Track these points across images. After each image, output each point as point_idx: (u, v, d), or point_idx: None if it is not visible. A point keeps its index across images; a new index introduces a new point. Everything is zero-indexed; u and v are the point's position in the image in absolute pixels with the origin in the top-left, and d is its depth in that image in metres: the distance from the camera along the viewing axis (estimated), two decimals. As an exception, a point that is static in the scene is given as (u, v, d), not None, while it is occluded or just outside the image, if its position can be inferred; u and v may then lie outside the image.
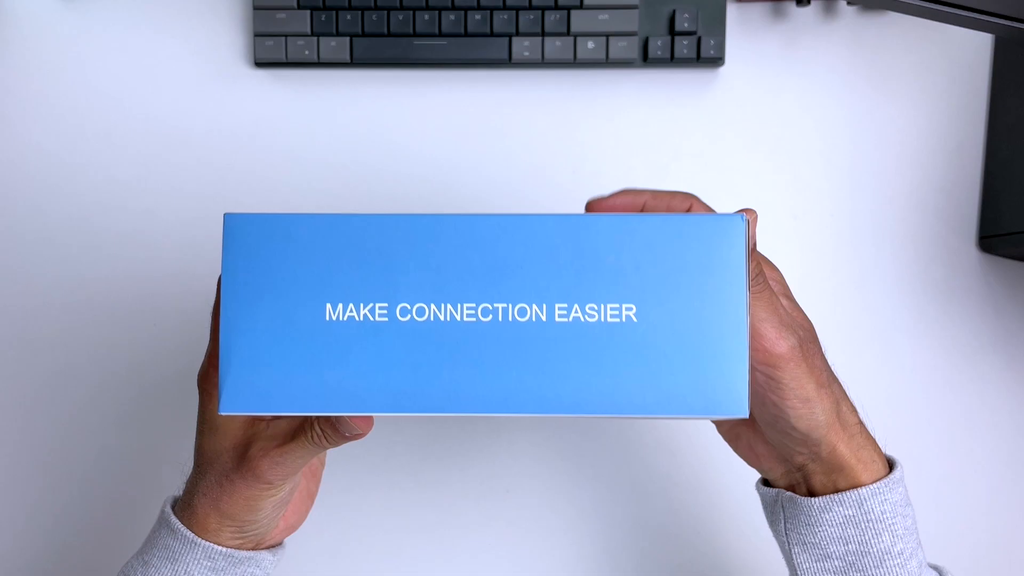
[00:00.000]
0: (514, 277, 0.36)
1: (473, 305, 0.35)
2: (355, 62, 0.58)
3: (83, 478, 0.61)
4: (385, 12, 0.57)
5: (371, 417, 0.39)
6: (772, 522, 0.44)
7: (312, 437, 0.38)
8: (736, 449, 0.45)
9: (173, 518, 0.42)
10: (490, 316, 0.35)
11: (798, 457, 0.42)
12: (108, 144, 0.60)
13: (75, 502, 0.61)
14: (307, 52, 0.58)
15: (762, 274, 0.40)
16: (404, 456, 0.60)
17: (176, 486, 0.45)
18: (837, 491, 0.42)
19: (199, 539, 0.41)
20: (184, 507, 0.42)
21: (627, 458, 0.60)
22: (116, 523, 0.61)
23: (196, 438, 0.42)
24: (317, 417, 0.38)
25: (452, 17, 0.57)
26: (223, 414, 0.35)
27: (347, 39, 0.58)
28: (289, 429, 0.39)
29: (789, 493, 0.43)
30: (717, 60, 0.58)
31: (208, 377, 0.41)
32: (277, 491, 0.41)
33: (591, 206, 0.42)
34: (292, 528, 0.45)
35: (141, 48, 0.60)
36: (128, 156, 0.60)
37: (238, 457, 0.40)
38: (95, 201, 0.60)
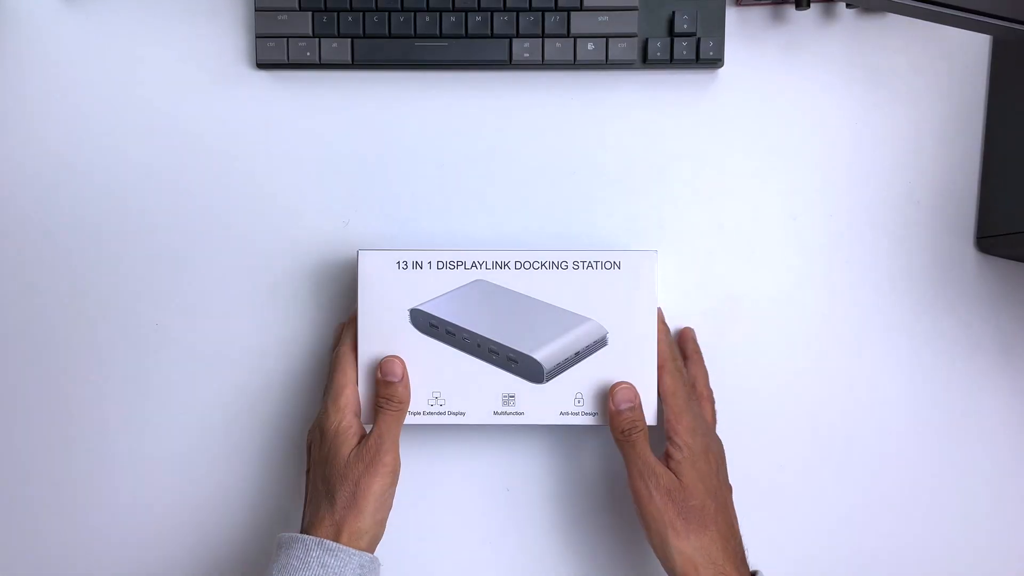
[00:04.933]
0: None
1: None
2: (356, 63, 0.59)
3: (82, 478, 0.61)
4: (386, 13, 0.58)
5: (399, 360, 0.53)
6: None
7: (382, 407, 0.53)
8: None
9: (321, 540, 0.49)
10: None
11: None
12: (109, 145, 0.60)
13: (75, 502, 0.61)
14: (308, 53, 0.58)
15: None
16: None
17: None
18: None
19: (352, 550, 0.49)
20: (319, 528, 0.50)
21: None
22: (116, 524, 0.61)
23: (315, 470, 0.53)
24: (376, 388, 0.53)
25: (453, 18, 0.57)
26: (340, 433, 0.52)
27: (348, 40, 0.58)
28: (376, 425, 0.53)
29: None
30: (716, 62, 0.58)
31: (339, 409, 0.53)
32: (394, 476, 0.52)
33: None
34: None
35: (142, 49, 0.60)
36: (129, 157, 0.60)
37: (359, 461, 0.51)
38: (96, 201, 0.60)
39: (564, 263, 0.54)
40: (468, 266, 0.54)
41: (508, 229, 0.60)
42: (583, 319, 0.54)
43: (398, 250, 0.54)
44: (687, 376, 0.55)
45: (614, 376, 0.54)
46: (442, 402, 0.54)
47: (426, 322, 0.54)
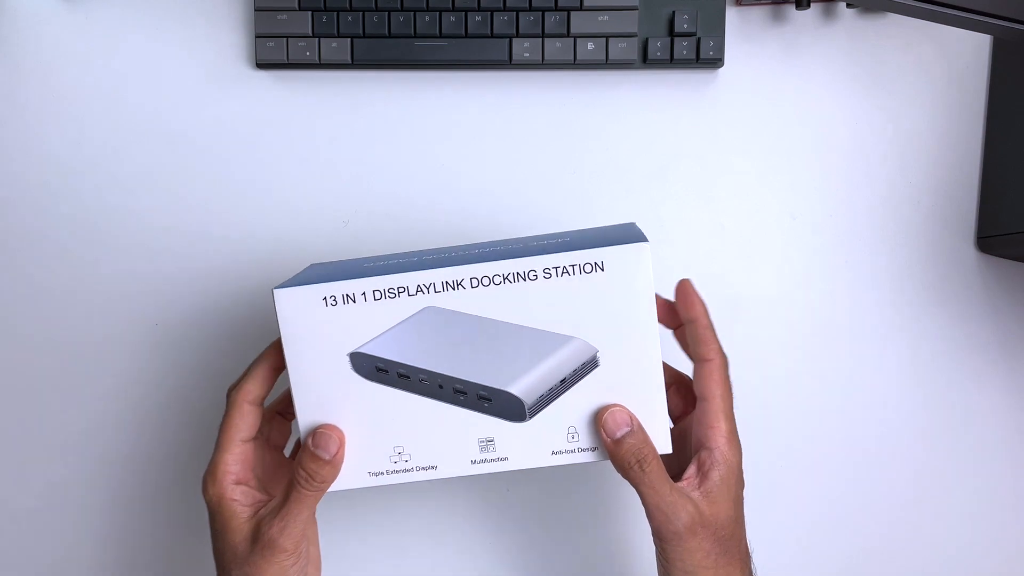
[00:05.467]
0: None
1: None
2: (356, 63, 0.59)
3: (82, 477, 0.61)
4: (386, 13, 0.58)
5: (336, 434, 0.43)
6: None
7: (299, 483, 0.42)
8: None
9: None
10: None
11: None
12: (109, 144, 0.60)
13: (76, 502, 0.61)
14: (308, 53, 0.58)
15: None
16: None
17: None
18: None
19: None
20: None
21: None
22: (116, 524, 0.61)
23: (213, 545, 0.45)
24: (297, 461, 0.43)
25: (452, 18, 0.57)
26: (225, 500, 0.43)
27: (348, 40, 0.58)
28: (283, 493, 0.43)
29: None
30: (716, 61, 0.58)
31: (219, 479, 0.44)
32: (296, 557, 0.43)
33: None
34: None
35: (142, 49, 0.60)
36: (129, 157, 0.60)
37: (252, 541, 0.43)
38: (96, 201, 0.60)
39: (532, 273, 0.42)
40: (412, 292, 0.43)
41: (508, 229, 0.60)
42: (565, 338, 0.43)
43: (321, 283, 0.43)
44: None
45: (609, 401, 0.44)
46: (407, 457, 0.44)
47: (371, 367, 0.43)
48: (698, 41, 0.57)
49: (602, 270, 0.42)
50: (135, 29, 0.60)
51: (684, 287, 0.45)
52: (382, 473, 0.44)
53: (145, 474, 0.61)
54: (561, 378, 0.43)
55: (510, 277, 0.42)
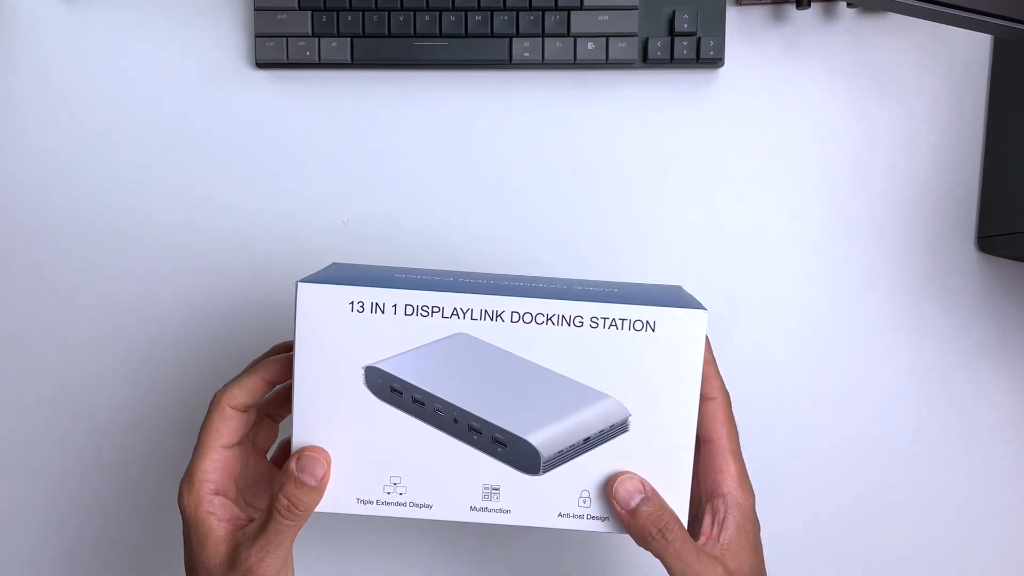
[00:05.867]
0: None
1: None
2: (356, 63, 0.58)
3: (82, 476, 0.61)
4: (386, 13, 0.58)
5: (323, 457, 0.40)
6: None
7: (279, 511, 0.39)
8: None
9: None
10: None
11: None
12: (109, 144, 0.60)
13: (76, 501, 0.61)
14: (308, 53, 0.58)
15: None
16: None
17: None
18: None
19: None
20: None
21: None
22: (117, 522, 0.61)
23: (185, 557, 0.42)
24: (278, 486, 0.39)
25: (452, 18, 0.57)
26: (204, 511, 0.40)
27: (348, 40, 0.58)
28: (262, 520, 0.40)
29: None
30: (716, 61, 0.58)
31: (195, 488, 0.41)
32: None
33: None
34: None
35: (142, 48, 0.60)
36: (129, 156, 0.60)
37: (228, 567, 0.40)
38: (96, 201, 0.60)
39: (578, 319, 0.40)
40: (447, 314, 0.40)
41: (508, 228, 0.60)
42: (598, 395, 0.40)
43: (352, 286, 0.40)
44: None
45: (632, 470, 0.40)
46: (402, 490, 0.41)
47: (386, 385, 0.41)
48: (698, 41, 0.57)
49: (652, 331, 0.40)
50: (135, 29, 0.60)
51: None
52: (372, 502, 0.41)
53: (144, 473, 0.61)
54: (586, 436, 0.40)
55: (555, 319, 0.40)
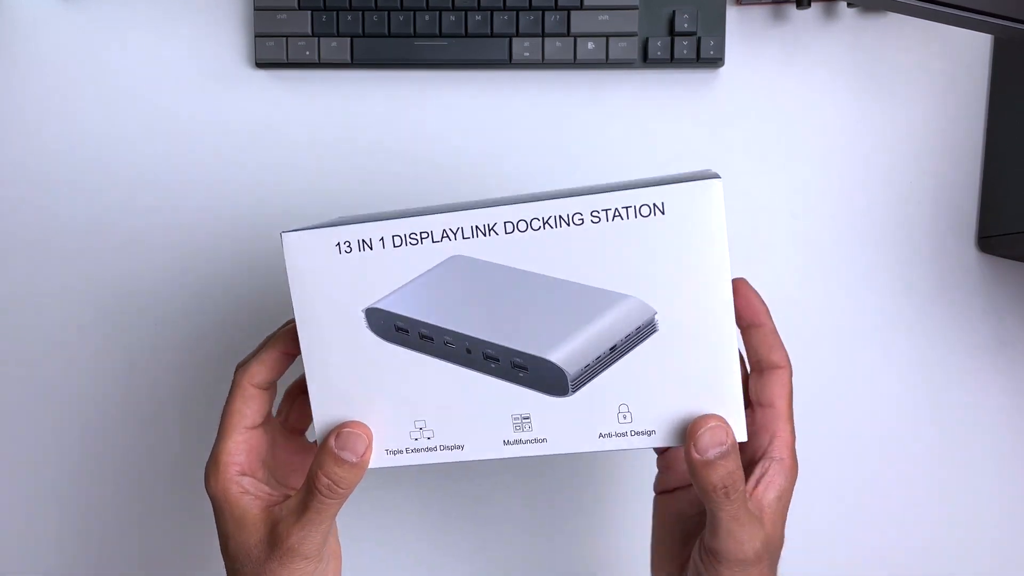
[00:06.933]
0: None
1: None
2: (355, 63, 0.58)
3: (82, 475, 0.61)
4: (386, 13, 0.58)
5: (365, 432, 0.38)
6: None
7: (320, 491, 0.37)
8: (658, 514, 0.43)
9: None
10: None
11: None
12: (107, 144, 0.60)
13: (76, 500, 0.61)
14: (308, 52, 0.58)
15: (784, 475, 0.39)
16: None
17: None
18: None
19: None
20: None
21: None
22: (117, 520, 0.61)
23: (220, 543, 0.41)
24: (317, 464, 0.38)
25: (452, 18, 0.57)
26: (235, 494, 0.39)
27: (348, 39, 0.58)
28: (301, 498, 0.38)
29: None
30: (717, 61, 0.58)
31: (222, 471, 0.40)
32: (319, 561, 0.39)
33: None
34: None
35: (141, 48, 0.60)
36: (128, 156, 0.60)
37: (268, 545, 0.39)
38: (96, 201, 0.60)
39: (577, 216, 0.36)
40: (437, 237, 0.37)
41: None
42: (617, 296, 0.36)
43: (335, 227, 0.37)
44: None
45: (670, 376, 0.36)
46: (429, 434, 0.38)
47: (390, 325, 0.38)
48: (698, 40, 0.57)
49: (662, 213, 0.35)
50: (134, 29, 0.60)
51: (742, 287, 0.39)
52: (401, 451, 0.38)
53: (144, 473, 0.61)
54: (612, 345, 0.36)
55: (551, 221, 0.36)
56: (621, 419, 0.37)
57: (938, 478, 0.60)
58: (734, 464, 0.36)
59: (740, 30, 0.59)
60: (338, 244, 0.37)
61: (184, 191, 0.60)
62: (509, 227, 0.36)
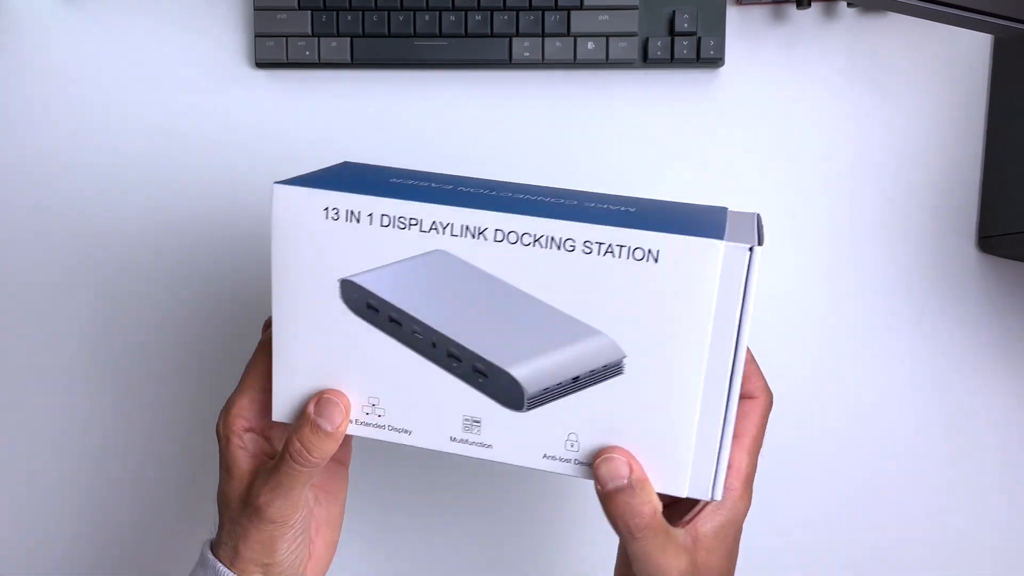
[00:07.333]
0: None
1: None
2: (355, 62, 0.58)
3: (82, 475, 0.61)
4: (386, 13, 0.58)
5: (343, 402, 0.38)
6: None
7: (292, 456, 0.37)
8: None
9: (212, 559, 0.41)
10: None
11: None
12: (108, 144, 0.60)
13: (76, 500, 0.61)
14: (308, 52, 0.58)
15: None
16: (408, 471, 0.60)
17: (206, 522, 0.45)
18: None
19: None
20: (220, 549, 0.41)
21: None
22: (118, 520, 0.61)
23: (219, 483, 0.42)
24: (293, 428, 0.38)
25: (452, 18, 0.57)
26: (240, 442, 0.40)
27: (348, 39, 0.58)
28: (276, 462, 0.38)
29: None
30: (717, 61, 0.58)
31: (229, 422, 0.41)
32: (287, 529, 0.40)
33: None
34: (322, 564, 0.44)
35: (141, 48, 0.60)
36: (128, 156, 0.60)
37: (243, 502, 0.40)
38: (95, 202, 0.60)
39: (569, 242, 0.35)
40: (425, 227, 0.36)
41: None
42: (590, 331, 0.36)
43: (328, 190, 0.37)
44: None
45: (625, 419, 0.36)
46: (380, 412, 0.38)
47: (362, 301, 0.38)
48: (698, 40, 0.57)
49: (655, 261, 0.34)
50: (135, 29, 0.60)
51: None
52: (352, 422, 0.39)
53: (144, 472, 0.61)
54: (575, 375, 0.36)
55: (542, 240, 0.35)
56: (568, 446, 0.37)
57: (938, 478, 0.60)
58: (638, 501, 0.35)
59: (740, 30, 0.59)
60: (326, 208, 0.37)
61: (183, 190, 0.60)
62: (499, 235, 0.36)
